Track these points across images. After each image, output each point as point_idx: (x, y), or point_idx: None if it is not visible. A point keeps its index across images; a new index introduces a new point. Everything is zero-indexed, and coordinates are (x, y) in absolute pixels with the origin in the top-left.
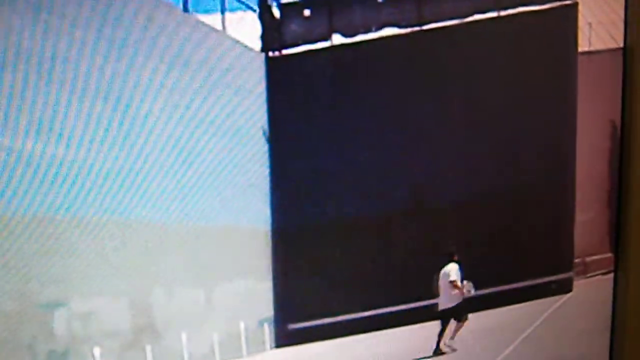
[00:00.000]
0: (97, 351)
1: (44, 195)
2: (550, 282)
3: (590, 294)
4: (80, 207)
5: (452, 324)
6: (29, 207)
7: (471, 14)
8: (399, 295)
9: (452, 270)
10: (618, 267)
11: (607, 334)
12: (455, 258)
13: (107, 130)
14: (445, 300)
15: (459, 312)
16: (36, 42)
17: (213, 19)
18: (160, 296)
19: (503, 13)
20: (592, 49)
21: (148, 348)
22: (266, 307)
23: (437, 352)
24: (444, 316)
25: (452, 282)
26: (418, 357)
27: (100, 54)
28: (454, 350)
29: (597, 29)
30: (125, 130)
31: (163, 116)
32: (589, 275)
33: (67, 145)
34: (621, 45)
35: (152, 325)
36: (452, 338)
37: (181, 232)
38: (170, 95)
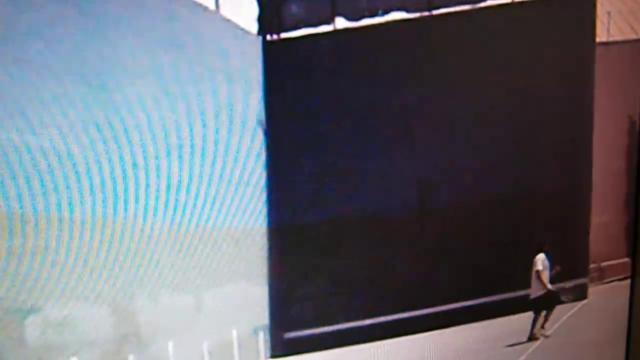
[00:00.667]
0: None
1: (17, 190)
2: (564, 288)
3: (606, 301)
4: (57, 203)
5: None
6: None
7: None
8: (404, 302)
9: (537, 260)
10: (635, 272)
11: (623, 344)
12: (545, 249)
13: (87, 117)
14: (533, 289)
15: (542, 303)
16: (6, 18)
17: None
18: (145, 301)
19: None
20: (610, 39)
21: (131, 358)
22: (261, 314)
23: (531, 338)
24: (532, 307)
25: (536, 272)
26: None
27: (78, 33)
28: (546, 336)
29: (616, 18)
30: (107, 119)
31: (148, 105)
32: (604, 281)
33: (43, 135)
34: None
35: (136, 333)
36: (542, 327)
37: (168, 231)
38: (156, 81)
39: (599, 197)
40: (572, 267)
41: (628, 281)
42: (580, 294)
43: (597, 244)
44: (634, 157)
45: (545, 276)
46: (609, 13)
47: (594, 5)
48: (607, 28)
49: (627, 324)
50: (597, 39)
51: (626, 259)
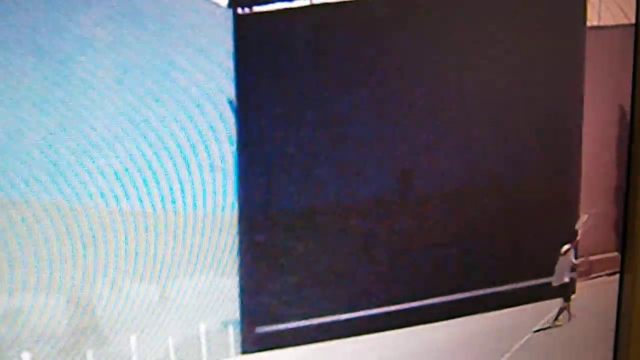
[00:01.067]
0: (26, 356)
1: None
2: (551, 283)
3: (595, 295)
4: (5, 186)
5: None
6: None
7: None
8: (385, 294)
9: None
10: (624, 267)
11: (611, 339)
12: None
13: (37, 92)
14: (556, 278)
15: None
16: None
17: None
18: (105, 292)
19: None
20: (601, 23)
21: (89, 353)
22: (231, 307)
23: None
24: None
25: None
26: None
27: (31, 1)
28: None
29: (608, 1)
30: (61, 94)
31: (107, 79)
32: (593, 275)
33: None
34: (632, 21)
35: (95, 326)
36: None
37: (131, 216)
38: (116, 54)
39: (588, 189)
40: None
41: (617, 276)
42: (568, 288)
43: (585, 237)
44: (623, 148)
45: (561, 268)
46: None
47: None
48: (598, 11)
49: (615, 319)
50: (588, 23)
51: (615, 254)
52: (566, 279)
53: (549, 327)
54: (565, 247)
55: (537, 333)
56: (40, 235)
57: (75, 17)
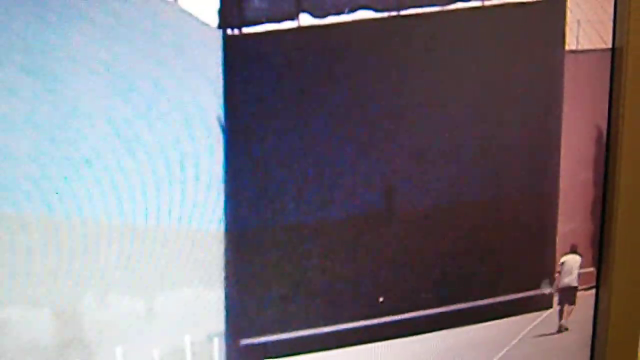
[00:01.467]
0: None
1: None
2: (530, 297)
3: (572, 311)
4: None
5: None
6: None
7: (452, 2)
8: (367, 308)
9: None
10: (600, 282)
11: (587, 353)
12: (578, 250)
13: (27, 109)
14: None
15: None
16: None
17: None
18: (91, 304)
19: (487, 3)
20: (579, 47)
21: None
22: (216, 319)
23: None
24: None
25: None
26: None
27: (20, 16)
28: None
29: (586, 27)
30: (50, 111)
31: (97, 96)
32: None
33: None
34: (609, 46)
35: (80, 338)
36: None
37: (117, 230)
38: (106, 72)
39: (565, 205)
40: (538, 276)
41: (593, 291)
42: (545, 303)
43: (563, 252)
44: (600, 167)
45: (568, 273)
46: (578, 21)
47: (564, 13)
48: (577, 36)
49: (591, 333)
50: (567, 47)
51: (592, 269)
52: (574, 284)
53: (558, 332)
54: (576, 258)
55: (515, 345)
56: (25, 247)
57: (64, 35)
